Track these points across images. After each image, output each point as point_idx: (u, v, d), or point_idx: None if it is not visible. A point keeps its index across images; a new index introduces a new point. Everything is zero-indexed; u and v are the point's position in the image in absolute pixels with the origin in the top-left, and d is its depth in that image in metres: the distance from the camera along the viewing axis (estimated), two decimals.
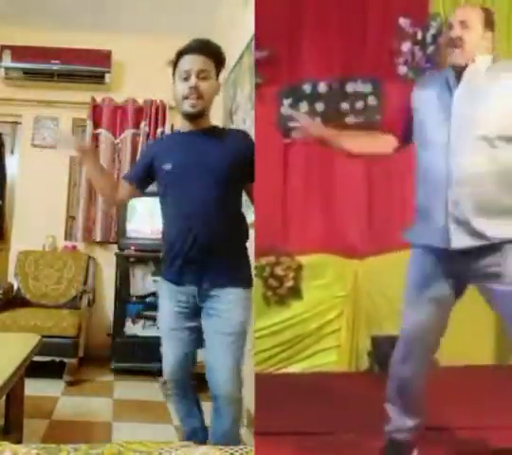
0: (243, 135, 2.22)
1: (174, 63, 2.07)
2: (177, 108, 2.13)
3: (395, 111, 1.89)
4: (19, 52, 4.51)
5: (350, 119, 3.23)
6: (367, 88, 3.23)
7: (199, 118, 2.08)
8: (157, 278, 3.40)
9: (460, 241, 1.71)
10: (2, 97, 4.70)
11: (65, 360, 3.68)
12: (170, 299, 2.12)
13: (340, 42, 3.24)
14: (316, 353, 3.13)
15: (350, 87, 3.24)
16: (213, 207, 2.02)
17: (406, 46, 3.21)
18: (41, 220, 4.57)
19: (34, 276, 4.40)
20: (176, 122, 4.77)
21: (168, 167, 2.06)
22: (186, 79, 2.01)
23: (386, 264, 3.01)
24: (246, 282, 2.10)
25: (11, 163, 4.83)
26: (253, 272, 3.15)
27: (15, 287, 4.36)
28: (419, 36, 3.21)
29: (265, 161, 3.09)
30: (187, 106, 2.03)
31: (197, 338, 2.15)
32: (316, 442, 2.04)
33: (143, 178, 2.20)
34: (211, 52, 2.09)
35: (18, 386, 2.29)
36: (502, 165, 1.69)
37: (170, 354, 2.16)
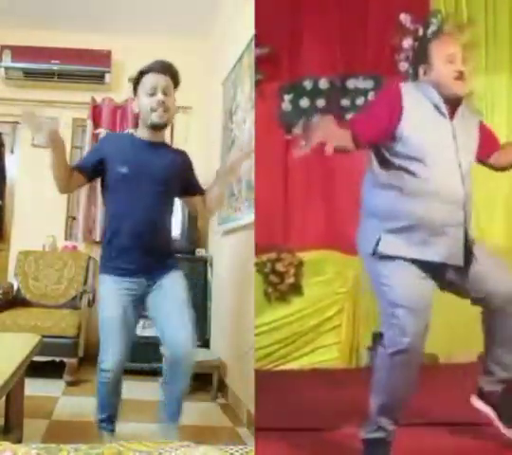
0: (184, 155, 2.51)
1: (137, 80, 2.33)
2: (143, 120, 2.35)
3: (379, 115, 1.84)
4: (19, 52, 4.51)
5: (350, 115, 3.24)
6: (368, 84, 3.23)
7: (162, 129, 2.37)
8: None
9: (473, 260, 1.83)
10: (2, 97, 4.71)
11: (65, 360, 3.68)
12: (118, 290, 2.30)
13: (341, 38, 3.25)
14: (316, 349, 3.14)
15: (351, 83, 3.25)
16: (156, 210, 2.34)
17: (407, 43, 3.21)
18: (41, 220, 4.57)
19: (34, 276, 4.40)
20: (176, 122, 4.77)
21: (123, 170, 2.27)
22: (152, 94, 2.26)
23: None
24: (178, 266, 2.43)
25: (11, 163, 4.83)
26: (254, 268, 3.17)
27: (15, 287, 4.37)
28: (420, 32, 3.21)
29: (265, 157, 3.10)
30: (155, 117, 2.28)
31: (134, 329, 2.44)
32: (316, 438, 2.04)
33: (95, 171, 2.37)
34: (172, 73, 2.33)
35: (18, 386, 2.29)
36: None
37: (119, 343, 2.30)
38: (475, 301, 1.88)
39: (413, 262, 1.80)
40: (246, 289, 3.21)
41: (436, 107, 1.85)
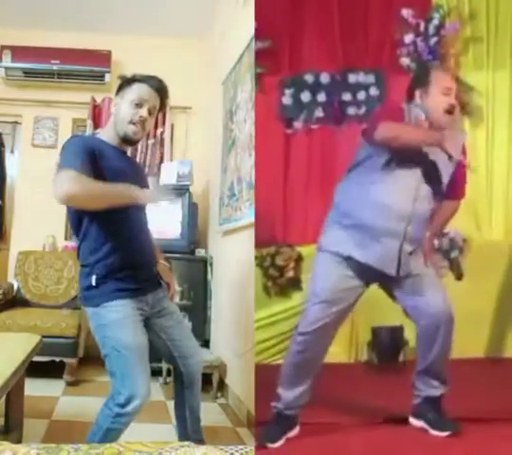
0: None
1: (127, 82, 2.09)
2: (116, 128, 2.10)
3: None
4: (19, 52, 4.51)
5: (351, 110, 3.24)
6: (369, 79, 3.24)
7: (131, 145, 2.19)
8: None
9: (403, 269, 1.98)
10: (2, 97, 4.71)
11: (65, 360, 3.68)
12: (131, 313, 2.02)
13: (342, 32, 3.25)
14: None
15: (352, 78, 3.25)
16: (145, 220, 2.20)
17: (408, 38, 3.21)
18: (41, 220, 4.57)
19: (34, 276, 4.40)
20: (176, 122, 4.77)
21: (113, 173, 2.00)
22: (138, 105, 2.05)
23: None
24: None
25: (11, 163, 4.83)
26: (254, 262, 3.17)
27: (15, 287, 4.37)
28: (422, 28, 3.21)
29: (266, 151, 3.10)
30: (130, 132, 2.06)
31: None
32: (315, 432, 2.05)
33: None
34: (164, 96, 2.13)
35: (18, 386, 2.29)
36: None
37: (145, 372, 2.04)
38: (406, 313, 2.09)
39: (347, 259, 1.96)
40: (246, 289, 3.21)
41: None
